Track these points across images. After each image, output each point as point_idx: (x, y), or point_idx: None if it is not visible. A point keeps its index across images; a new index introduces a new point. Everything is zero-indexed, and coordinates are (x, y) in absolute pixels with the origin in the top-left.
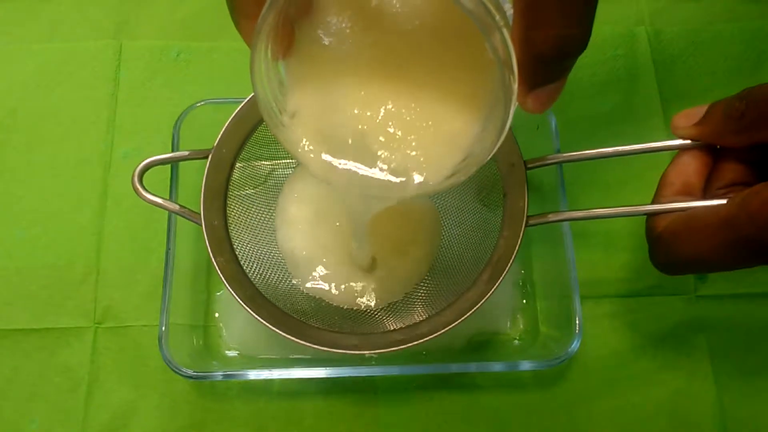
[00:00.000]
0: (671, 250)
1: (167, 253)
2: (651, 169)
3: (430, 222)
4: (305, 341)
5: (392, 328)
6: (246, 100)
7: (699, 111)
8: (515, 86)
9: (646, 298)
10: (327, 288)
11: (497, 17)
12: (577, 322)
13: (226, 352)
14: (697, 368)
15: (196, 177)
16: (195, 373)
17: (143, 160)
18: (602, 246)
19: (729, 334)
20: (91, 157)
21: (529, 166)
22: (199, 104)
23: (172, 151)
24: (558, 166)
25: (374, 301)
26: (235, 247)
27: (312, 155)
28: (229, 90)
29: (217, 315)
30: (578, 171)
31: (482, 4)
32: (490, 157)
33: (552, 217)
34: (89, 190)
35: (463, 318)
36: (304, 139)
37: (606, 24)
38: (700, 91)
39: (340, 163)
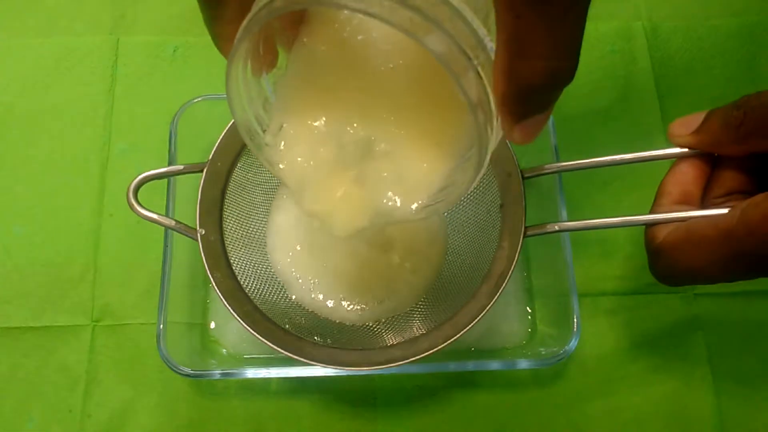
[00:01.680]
0: (670, 262)
1: (165, 251)
2: (651, 168)
3: (436, 234)
4: (303, 357)
5: (391, 343)
6: None
7: (696, 119)
8: (491, 125)
9: (644, 296)
10: (322, 302)
11: (474, 55)
12: (575, 320)
13: (224, 350)
14: (694, 366)
15: (194, 184)
16: (193, 372)
17: (138, 175)
18: (600, 244)
19: (726, 332)
20: (88, 153)
21: (526, 175)
22: (196, 100)
23: (169, 146)
24: (558, 175)
25: (373, 316)
26: (231, 261)
27: (292, 178)
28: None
29: (212, 324)
30: (571, 172)
31: (455, 44)
32: (467, 191)
33: (550, 228)
34: (87, 187)
35: (462, 333)
36: (286, 161)
37: (603, 19)
38: (698, 86)
39: (318, 187)
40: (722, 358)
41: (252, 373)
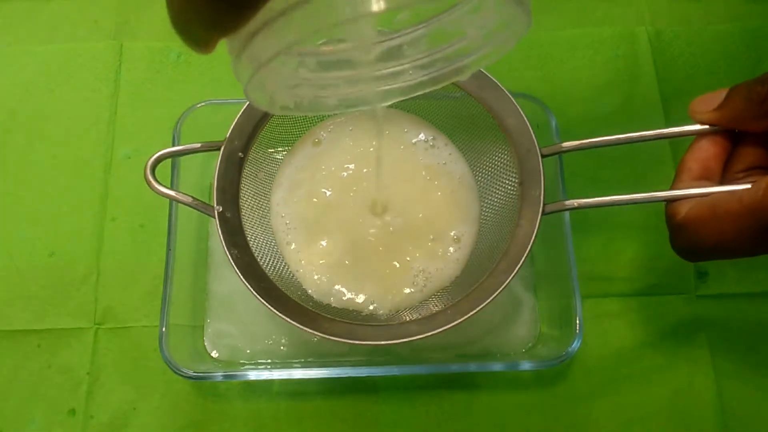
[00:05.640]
0: (694, 237)
1: (168, 253)
2: (649, 166)
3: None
4: (321, 332)
5: (408, 319)
6: None
7: (718, 96)
8: None
9: (647, 298)
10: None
11: None
12: (578, 321)
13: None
14: (697, 367)
15: (195, 168)
16: (195, 374)
17: (154, 154)
18: (603, 245)
19: (729, 333)
20: (91, 158)
21: (545, 153)
22: (199, 105)
23: None
24: (558, 157)
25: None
26: (248, 239)
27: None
28: (230, 91)
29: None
30: (576, 168)
31: None
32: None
33: (569, 204)
34: (90, 191)
35: (479, 308)
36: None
37: (606, 24)
38: (701, 90)
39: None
40: (725, 357)
41: (254, 374)
